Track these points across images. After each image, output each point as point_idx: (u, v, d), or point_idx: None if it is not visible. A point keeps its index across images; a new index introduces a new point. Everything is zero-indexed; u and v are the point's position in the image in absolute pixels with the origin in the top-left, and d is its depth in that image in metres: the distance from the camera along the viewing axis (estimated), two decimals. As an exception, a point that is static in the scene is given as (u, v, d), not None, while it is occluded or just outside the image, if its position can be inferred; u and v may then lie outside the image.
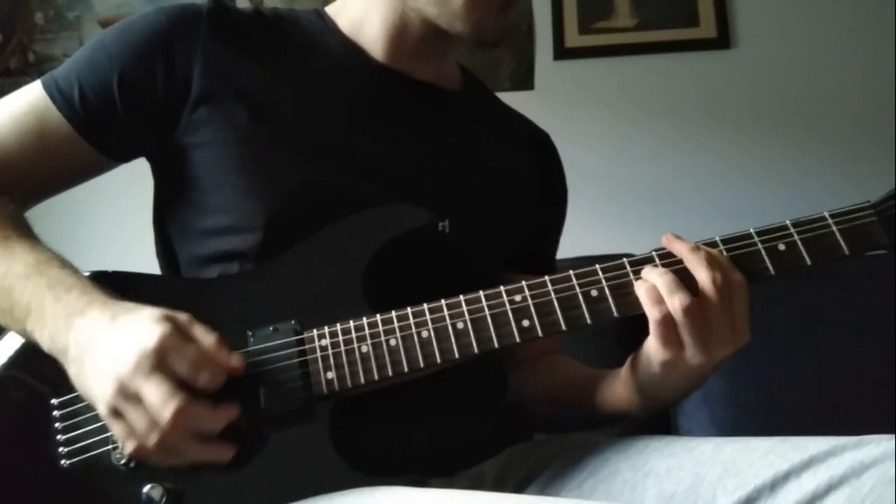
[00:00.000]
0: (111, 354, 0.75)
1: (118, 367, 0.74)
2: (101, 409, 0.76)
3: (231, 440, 0.77)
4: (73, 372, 0.78)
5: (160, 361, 0.73)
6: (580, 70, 2.14)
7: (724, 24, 2.11)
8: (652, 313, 0.79)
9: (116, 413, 0.75)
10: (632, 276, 0.81)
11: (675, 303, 0.78)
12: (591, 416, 0.95)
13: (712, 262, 0.79)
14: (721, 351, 0.80)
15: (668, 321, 0.78)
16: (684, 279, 0.79)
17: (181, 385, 0.74)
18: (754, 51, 2.11)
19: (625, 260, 0.82)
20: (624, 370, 0.89)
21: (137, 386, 0.73)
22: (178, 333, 0.75)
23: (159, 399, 0.72)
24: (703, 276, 0.78)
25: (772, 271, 0.81)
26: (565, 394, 1.00)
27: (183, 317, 0.78)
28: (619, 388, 0.90)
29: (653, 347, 0.80)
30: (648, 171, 2.10)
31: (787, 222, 0.82)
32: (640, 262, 0.82)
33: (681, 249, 0.81)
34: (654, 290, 0.79)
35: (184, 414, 0.73)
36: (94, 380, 0.76)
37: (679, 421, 1.58)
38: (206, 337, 0.77)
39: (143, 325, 0.75)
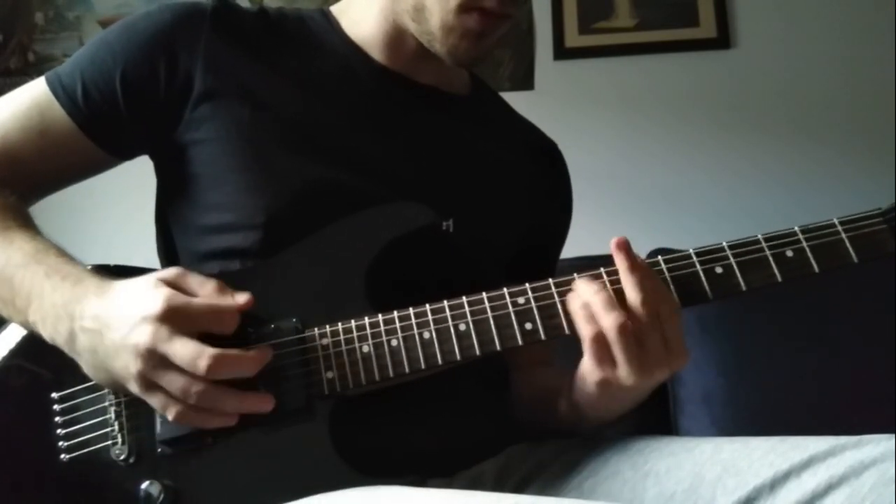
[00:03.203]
0: (123, 332, 0.75)
1: (136, 340, 0.74)
2: (133, 387, 0.76)
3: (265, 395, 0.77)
4: (86, 360, 0.79)
5: (174, 322, 0.74)
6: (580, 70, 2.14)
7: (724, 24, 2.11)
8: (584, 331, 0.78)
9: (150, 385, 0.75)
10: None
11: (609, 320, 0.76)
12: (555, 427, 0.95)
13: (644, 284, 0.78)
14: (657, 372, 0.78)
15: (601, 339, 0.77)
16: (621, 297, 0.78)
17: (201, 338, 0.74)
18: (754, 51, 2.11)
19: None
20: (566, 383, 0.87)
21: (164, 350, 0.73)
22: (178, 291, 0.76)
23: (190, 355, 0.73)
24: (633, 297, 0.77)
25: (778, 278, 0.80)
26: (535, 406, 0.99)
27: (172, 273, 0.79)
28: (562, 403, 0.90)
29: (587, 366, 0.80)
30: (648, 171, 2.10)
31: (796, 228, 0.81)
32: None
33: (621, 264, 0.79)
34: (587, 307, 0.78)
35: (220, 361, 0.73)
36: (113, 361, 0.76)
37: (679, 421, 1.58)
38: (203, 285, 0.78)
39: (143, 295, 0.76)
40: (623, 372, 0.77)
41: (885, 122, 1.99)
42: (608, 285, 0.79)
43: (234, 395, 0.76)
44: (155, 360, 0.74)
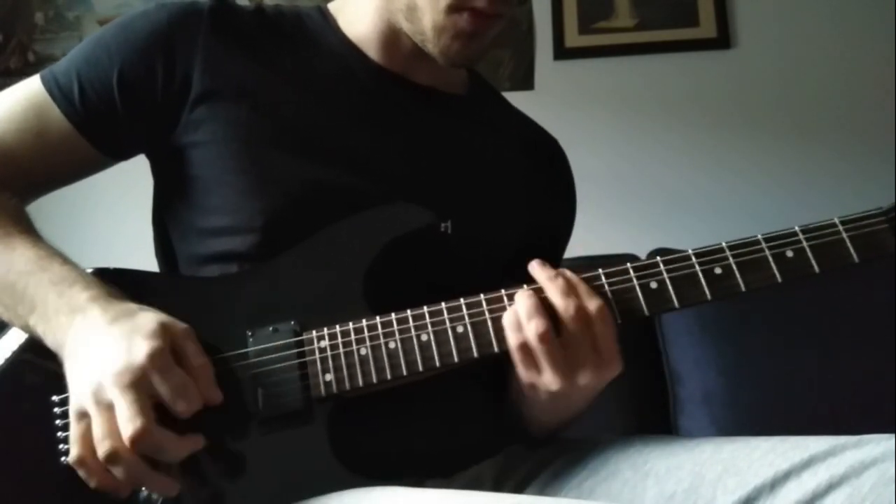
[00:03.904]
0: (99, 357, 0.75)
1: (101, 370, 0.74)
2: (71, 405, 0.76)
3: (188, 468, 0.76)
4: (67, 366, 0.79)
5: (143, 378, 0.73)
6: (580, 70, 2.14)
7: (724, 24, 2.11)
8: (510, 339, 0.79)
9: (81, 414, 0.75)
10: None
11: (531, 328, 0.77)
12: (537, 425, 0.94)
13: (568, 290, 0.79)
14: (584, 378, 0.79)
15: (524, 347, 0.78)
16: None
17: (156, 406, 0.73)
18: (754, 51, 2.11)
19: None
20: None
21: (113, 394, 0.73)
22: (170, 351, 0.75)
23: (129, 413, 0.72)
24: (559, 304, 0.78)
25: (778, 279, 0.79)
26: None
27: (180, 328, 0.77)
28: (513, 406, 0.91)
29: (517, 372, 0.80)
30: (648, 171, 2.10)
31: (796, 228, 0.80)
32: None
33: (540, 277, 0.80)
34: (514, 314, 0.79)
35: (146, 435, 0.72)
36: (75, 376, 0.76)
37: (679, 421, 1.58)
38: (196, 358, 0.77)
39: (138, 336, 0.75)
40: (547, 377, 0.78)
41: (885, 121, 1.99)
42: (535, 294, 0.79)
43: (142, 468, 0.73)
44: (99, 397, 0.74)
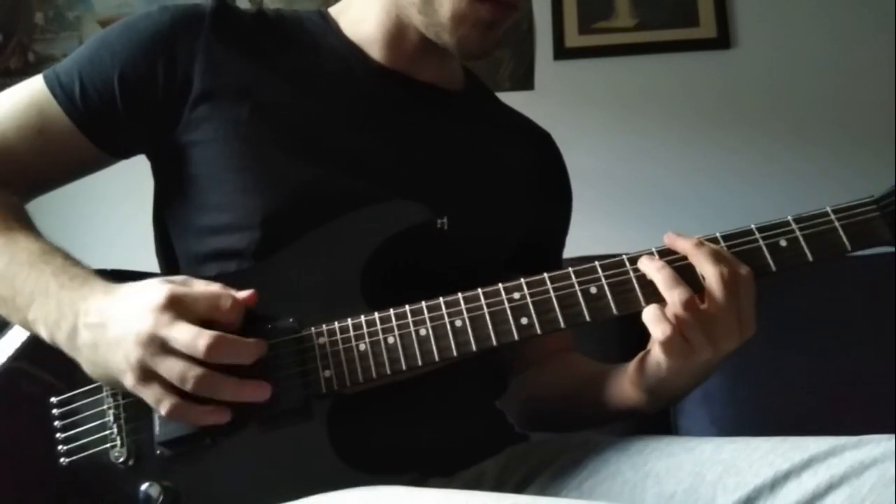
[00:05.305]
0: (126, 323, 0.76)
1: (138, 327, 0.75)
2: (128, 379, 0.76)
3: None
4: (86, 356, 0.79)
5: (176, 310, 0.75)
6: (580, 70, 2.14)
7: (724, 24, 2.11)
8: (655, 328, 0.78)
9: (146, 374, 0.76)
10: (631, 272, 0.81)
11: (675, 297, 0.77)
12: (600, 414, 0.95)
13: (718, 257, 0.78)
14: (727, 344, 0.79)
15: (667, 319, 0.78)
16: (685, 275, 0.78)
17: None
18: (754, 51, 2.11)
19: (624, 256, 0.82)
20: (631, 368, 0.88)
21: (164, 335, 0.74)
22: (183, 287, 0.78)
23: (190, 336, 0.74)
24: (709, 272, 0.77)
25: (773, 267, 0.80)
26: (577, 391, 0.99)
27: (178, 277, 0.80)
28: (626, 386, 0.89)
29: (658, 348, 0.80)
30: (648, 171, 2.10)
31: (789, 218, 0.81)
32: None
33: (685, 246, 0.80)
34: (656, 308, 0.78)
35: (219, 342, 0.74)
36: (114, 353, 0.76)
37: (679, 421, 1.58)
38: (208, 286, 0.79)
39: (148, 290, 0.77)
40: (697, 348, 0.78)
41: (884, 122, 1.99)
42: (667, 265, 0.78)
43: (232, 381, 0.76)
44: (155, 346, 0.74)
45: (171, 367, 0.75)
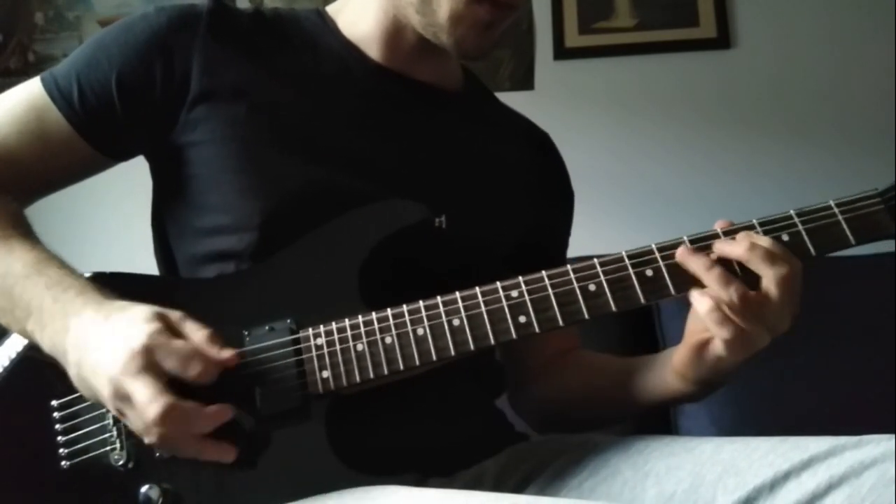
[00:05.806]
0: (103, 356, 0.75)
1: (109, 368, 0.74)
2: (108, 405, 0.77)
3: (232, 440, 0.77)
4: (73, 373, 0.79)
5: (148, 360, 0.73)
6: (580, 70, 2.14)
7: (724, 24, 2.11)
8: (721, 330, 0.78)
9: (120, 411, 0.76)
10: (630, 269, 0.80)
11: (733, 295, 0.76)
12: (634, 406, 0.95)
13: (773, 258, 0.77)
14: (782, 327, 0.79)
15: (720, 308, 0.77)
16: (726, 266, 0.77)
17: (173, 382, 0.74)
18: (754, 51, 2.11)
19: (623, 253, 0.81)
20: (678, 362, 0.86)
21: (126, 387, 0.74)
22: (168, 330, 0.76)
23: (145, 399, 0.73)
24: (767, 273, 0.77)
25: None
26: (604, 389, 0.99)
27: (174, 314, 0.78)
28: (669, 379, 0.89)
29: (721, 346, 0.79)
30: (648, 172, 2.10)
31: (792, 212, 0.80)
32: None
33: (739, 252, 0.78)
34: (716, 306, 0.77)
35: (170, 414, 0.73)
36: (93, 381, 0.77)
37: (679, 421, 1.58)
38: (196, 332, 0.77)
39: (133, 325, 0.75)
40: (755, 336, 0.78)
41: (884, 122, 1.99)
42: (717, 263, 0.78)
43: (192, 442, 0.75)
44: (119, 394, 0.74)
45: (133, 420, 0.75)
